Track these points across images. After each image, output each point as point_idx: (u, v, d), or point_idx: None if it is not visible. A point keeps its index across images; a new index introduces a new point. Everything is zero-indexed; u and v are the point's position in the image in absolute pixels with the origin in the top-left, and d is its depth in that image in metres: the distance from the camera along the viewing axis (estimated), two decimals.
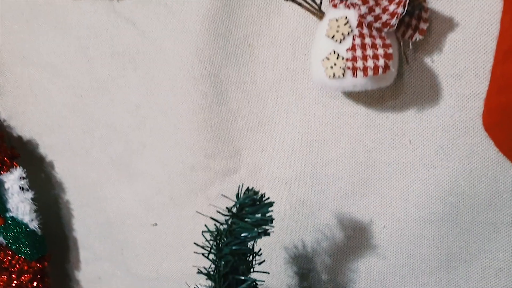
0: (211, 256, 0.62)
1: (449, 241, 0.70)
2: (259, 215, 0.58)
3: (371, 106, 0.70)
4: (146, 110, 0.83)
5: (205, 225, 0.62)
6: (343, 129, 0.72)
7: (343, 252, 0.78)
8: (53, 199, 0.98)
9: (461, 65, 0.64)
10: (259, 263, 0.66)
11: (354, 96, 0.70)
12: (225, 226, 0.60)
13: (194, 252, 0.61)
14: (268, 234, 0.59)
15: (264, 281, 0.63)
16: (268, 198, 0.59)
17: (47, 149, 0.94)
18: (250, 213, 0.57)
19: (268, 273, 0.68)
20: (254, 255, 0.62)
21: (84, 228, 0.98)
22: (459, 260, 0.71)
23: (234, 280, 0.59)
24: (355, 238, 0.77)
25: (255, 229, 0.58)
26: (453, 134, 0.66)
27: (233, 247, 0.59)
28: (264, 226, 0.59)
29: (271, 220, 0.58)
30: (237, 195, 0.60)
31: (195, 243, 0.61)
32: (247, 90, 0.76)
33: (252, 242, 0.62)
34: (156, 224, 0.90)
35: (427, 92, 0.66)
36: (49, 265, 0.98)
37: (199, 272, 0.61)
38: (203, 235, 0.62)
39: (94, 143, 0.89)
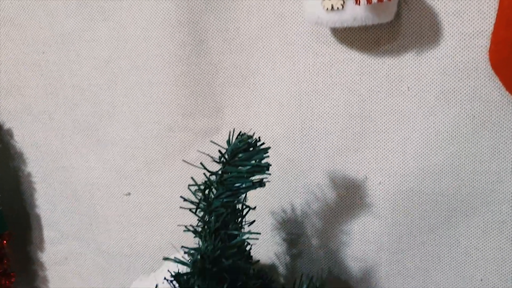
0: (199, 213, 0.55)
1: (450, 195, 0.66)
2: (253, 162, 0.51)
3: (366, 51, 0.65)
4: (117, 65, 0.75)
5: (192, 178, 0.55)
6: (335, 78, 0.67)
7: (335, 213, 0.73)
8: (12, 171, 0.89)
9: (463, 1, 0.59)
10: (249, 224, 0.60)
11: (348, 40, 0.65)
12: (215, 176, 0.53)
13: (180, 207, 0.55)
14: (263, 185, 0.53)
15: (258, 238, 0.57)
16: (264, 143, 0.53)
17: (4, 115, 0.84)
18: (244, 160, 0.51)
19: (259, 233, 0.62)
20: (247, 209, 0.56)
21: (48, 203, 0.89)
22: (460, 215, 0.67)
23: (226, 236, 0.52)
24: (348, 198, 0.72)
25: (250, 178, 0.52)
26: (455, 77, 0.62)
27: (225, 200, 0.53)
28: (259, 176, 0.53)
29: (267, 167, 0.51)
30: (228, 142, 0.53)
31: (181, 197, 0.54)
32: (229, 39, 0.70)
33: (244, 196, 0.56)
34: (129, 194, 0.82)
35: (426, 32, 0.62)
36: (9, 247, 0.89)
37: (186, 230, 0.54)
38: (189, 189, 0.55)
39: (58, 106, 0.81)
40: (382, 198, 0.70)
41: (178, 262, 0.51)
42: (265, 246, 0.78)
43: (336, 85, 0.67)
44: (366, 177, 0.70)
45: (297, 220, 0.76)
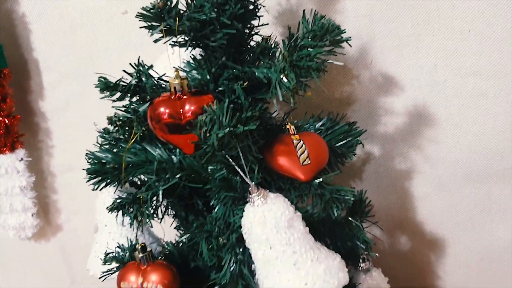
0: None
1: None
2: None
3: None
4: None
5: None
6: None
7: None
8: (6, 14, 0.89)
9: None
10: None
11: None
12: None
13: None
14: None
15: None
16: None
17: None
18: None
19: None
20: None
21: (46, 43, 0.90)
22: None
23: None
24: None
25: None
26: None
27: None
28: None
29: None
30: None
31: None
32: None
33: None
34: (126, 12, 0.84)
35: None
36: (10, 90, 0.90)
37: None
38: None
39: None
40: None
41: None
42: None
43: None
44: None
45: (292, 10, 0.79)
